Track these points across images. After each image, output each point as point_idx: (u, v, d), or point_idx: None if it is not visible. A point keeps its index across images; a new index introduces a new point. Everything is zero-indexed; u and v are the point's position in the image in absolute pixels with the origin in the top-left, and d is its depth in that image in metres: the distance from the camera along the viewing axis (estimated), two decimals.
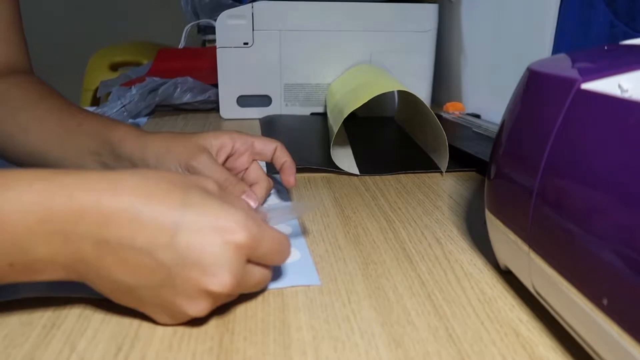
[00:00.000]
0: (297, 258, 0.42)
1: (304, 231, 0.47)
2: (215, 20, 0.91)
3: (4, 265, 0.29)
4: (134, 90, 0.94)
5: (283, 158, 0.53)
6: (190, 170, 0.48)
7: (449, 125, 0.84)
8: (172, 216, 0.31)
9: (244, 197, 0.46)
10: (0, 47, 0.62)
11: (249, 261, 0.33)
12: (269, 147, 0.53)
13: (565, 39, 0.69)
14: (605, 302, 0.25)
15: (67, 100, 0.61)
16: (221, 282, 0.31)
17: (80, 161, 0.56)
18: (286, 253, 0.36)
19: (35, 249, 0.29)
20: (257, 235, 0.33)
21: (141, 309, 0.33)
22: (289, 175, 0.52)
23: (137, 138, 0.52)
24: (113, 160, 0.54)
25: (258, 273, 0.35)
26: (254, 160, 0.55)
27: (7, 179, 0.29)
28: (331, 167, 0.64)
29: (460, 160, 0.68)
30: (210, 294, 0.32)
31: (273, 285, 0.38)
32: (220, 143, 0.52)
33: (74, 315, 0.34)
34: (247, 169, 0.54)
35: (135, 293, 0.32)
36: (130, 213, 0.30)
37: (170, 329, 0.33)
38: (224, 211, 0.32)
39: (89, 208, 0.30)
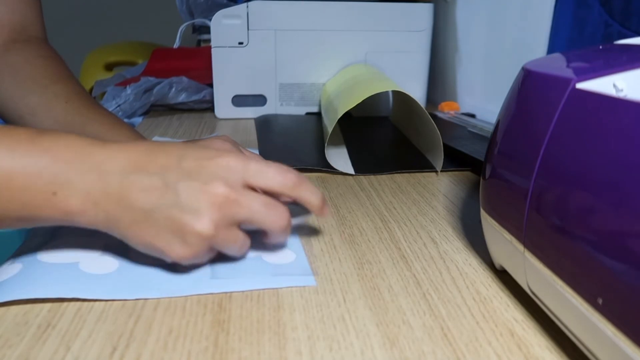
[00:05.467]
0: (293, 258, 0.42)
1: (299, 231, 0.47)
2: (210, 19, 0.91)
3: (49, 193, 0.35)
4: (128, 90, 0.94)
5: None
6: None
7: (444, 124, 0.84)
8: (177, 151, 0.38)
9: None
10: (15, 4, 0.62)
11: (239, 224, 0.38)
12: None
13: (560, 38, 0.70)
14: (600, 301, 0.25)
15: (77, 85, 0.62)
16: (217, 187, 0.36)
17: None
18: (275, 216, 0.39)
19: (74, 181, 0.35)
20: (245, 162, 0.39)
21: (156, 243, 0.36)
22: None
23: None
24: None
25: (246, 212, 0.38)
26: None
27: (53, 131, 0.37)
28: (326, 167, 0.64)
29: (455, 160, 0.68)
30: (210, 203, 0.36)
31: (268, 286, 0.38)
32: None
33: (69, 315, 0.34)
34: None
35: (151, 218, 0.36)
36: (146, 152, 0.37)
37: (165, 329, 0.33)
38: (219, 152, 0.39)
39: (116, 151, 0.37)
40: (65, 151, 0.36)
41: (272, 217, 0.38)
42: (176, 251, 0.36)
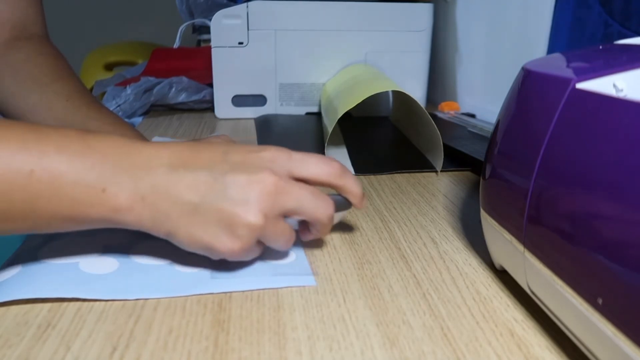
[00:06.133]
0: (293, 258, 0.42)
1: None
2: (210, 19, 0.91)
3: (98, 189, 0.35)
4: (128, 90, 0.94)
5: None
6: None
7: (444, 124, 0.84)
8: (221, 147, 0.38)
9: None
10: (16, 2, 0.63)
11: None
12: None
13: (561, 38, 0.70)
14: (600, 301, 0.25)
15: (78, 83, 0.62)
16: (266, 177, 0.36)
17: None
18: (323, 207, 0.39)
19: (123, 177, 0.35)
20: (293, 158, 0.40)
21: (204, 238, 0.36)
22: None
23: None
24: None
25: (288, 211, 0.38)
26: None
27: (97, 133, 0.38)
28: None
29: (455, 160, 0.68)
30: (259, 193, 0.36)
31: (268, 285, 0.38)
32: None
33: (69, 315, 0.34)
34: None
35: (199, 212, 0.36)
36: (190, 149, 0.38)
37: (165, 329, 0.33)
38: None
39: (160, 149, 0.37)
40: (113, 149, 0.36)
41: (320, 205, 0.39)
42: (226, 244, 0.36)
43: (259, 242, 0.38)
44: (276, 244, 0.39)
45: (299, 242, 0.45)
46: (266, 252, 0.43)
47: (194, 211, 0.36)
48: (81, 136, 0.36)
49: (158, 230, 0.37)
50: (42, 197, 0.34)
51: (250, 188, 0.36)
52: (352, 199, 0.42)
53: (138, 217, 0.36)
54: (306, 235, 0.43)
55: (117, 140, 0.37)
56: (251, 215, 0.36)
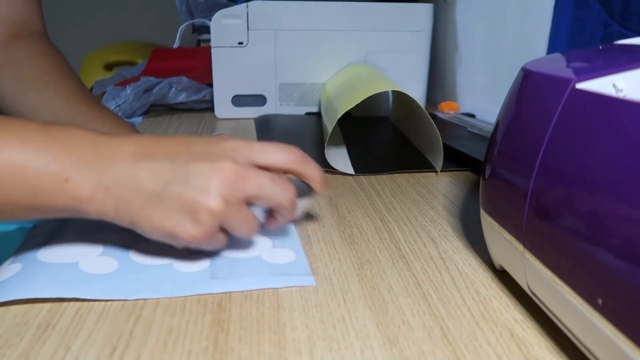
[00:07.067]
0: (292, 258, 0.42)
1: (298, 231, 0.47)
2: (210, 19, 0.91)
3: (61, 179, 0.35)
4: (128, 90, 0.94)
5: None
6: None
7: (443, 124, 0.84)
8: (185, 139, 0.39)
9: None
10: (15, 2, 0.63)
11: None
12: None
13: (560, 38, 0.70)
14: (600, 301, 0.25)
15: (78, 82, 0.63)
16: (226, 165, 0.37)
17: None
18: (283, 192, 0.40)
19: (86, 167, 0.36)
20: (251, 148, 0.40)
21: (166, 225, 0.36)
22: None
23: None
24: None
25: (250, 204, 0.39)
26: None
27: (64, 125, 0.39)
28: (326, 167, 0.64)
29: (455, 160, 0.68)
30: (219, 179, 0.37)
31: (268, 285, 0.38)
32: None
33: (69, 315, 0.34)
34: None
35: (161, 200, 0.36)
36: (154, 141, 0.39)
37: (165, 329, 0.33)
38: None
39: (125, 141, 0.38)
40: (76, 140, 0.37)
41: (280, 190, 0.39)
42: (188, 231, 0.36)
43: (224, 232, 0.39)
44: (240, 231, 0.39)
45: (299, 242, 0.45)
46: (266, 253, 0.43)
47: (156, 199, 0.36)
48: (44, 128, 0.37)
49: (121, 220, 0.37)
50: (4, 187, 0.35)
51: (211, 175, 0.37)
52: (313, 184, 0.44)
53: (101, 207, 0.36)
54: (272, 223, 0.43)
55: (82, 132, 0.38)
56: (212, 200, 0.36)
